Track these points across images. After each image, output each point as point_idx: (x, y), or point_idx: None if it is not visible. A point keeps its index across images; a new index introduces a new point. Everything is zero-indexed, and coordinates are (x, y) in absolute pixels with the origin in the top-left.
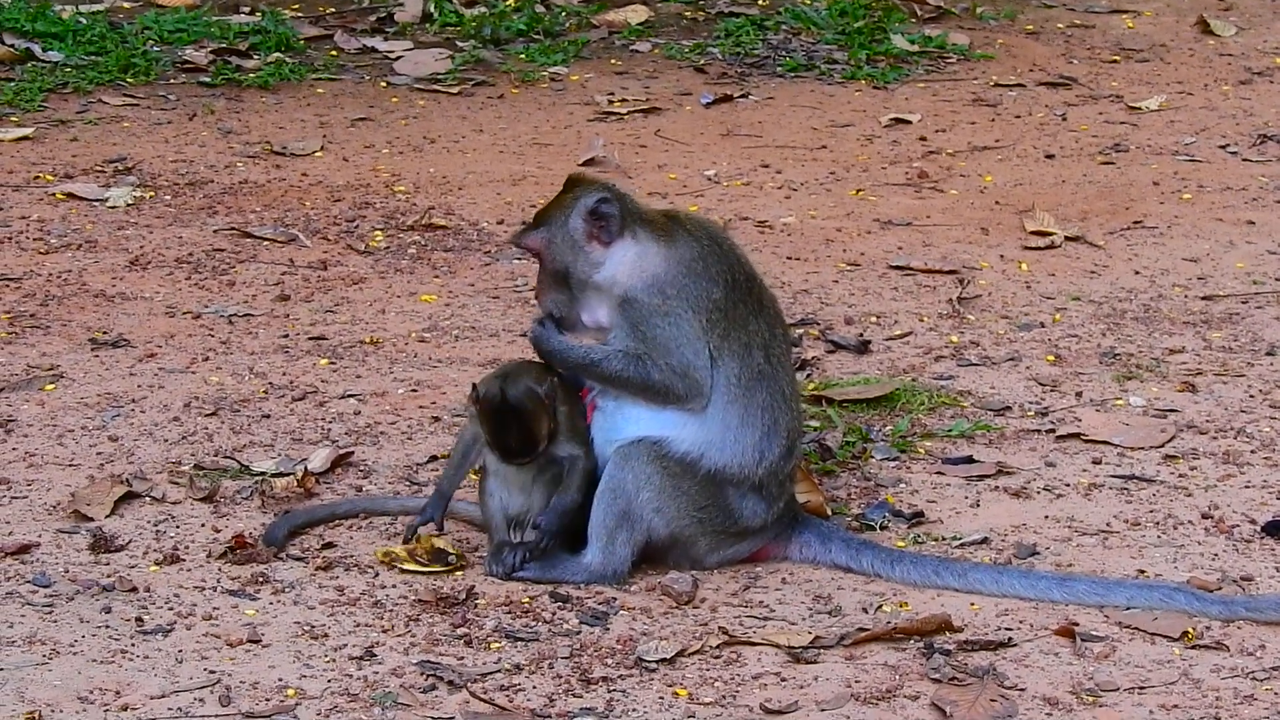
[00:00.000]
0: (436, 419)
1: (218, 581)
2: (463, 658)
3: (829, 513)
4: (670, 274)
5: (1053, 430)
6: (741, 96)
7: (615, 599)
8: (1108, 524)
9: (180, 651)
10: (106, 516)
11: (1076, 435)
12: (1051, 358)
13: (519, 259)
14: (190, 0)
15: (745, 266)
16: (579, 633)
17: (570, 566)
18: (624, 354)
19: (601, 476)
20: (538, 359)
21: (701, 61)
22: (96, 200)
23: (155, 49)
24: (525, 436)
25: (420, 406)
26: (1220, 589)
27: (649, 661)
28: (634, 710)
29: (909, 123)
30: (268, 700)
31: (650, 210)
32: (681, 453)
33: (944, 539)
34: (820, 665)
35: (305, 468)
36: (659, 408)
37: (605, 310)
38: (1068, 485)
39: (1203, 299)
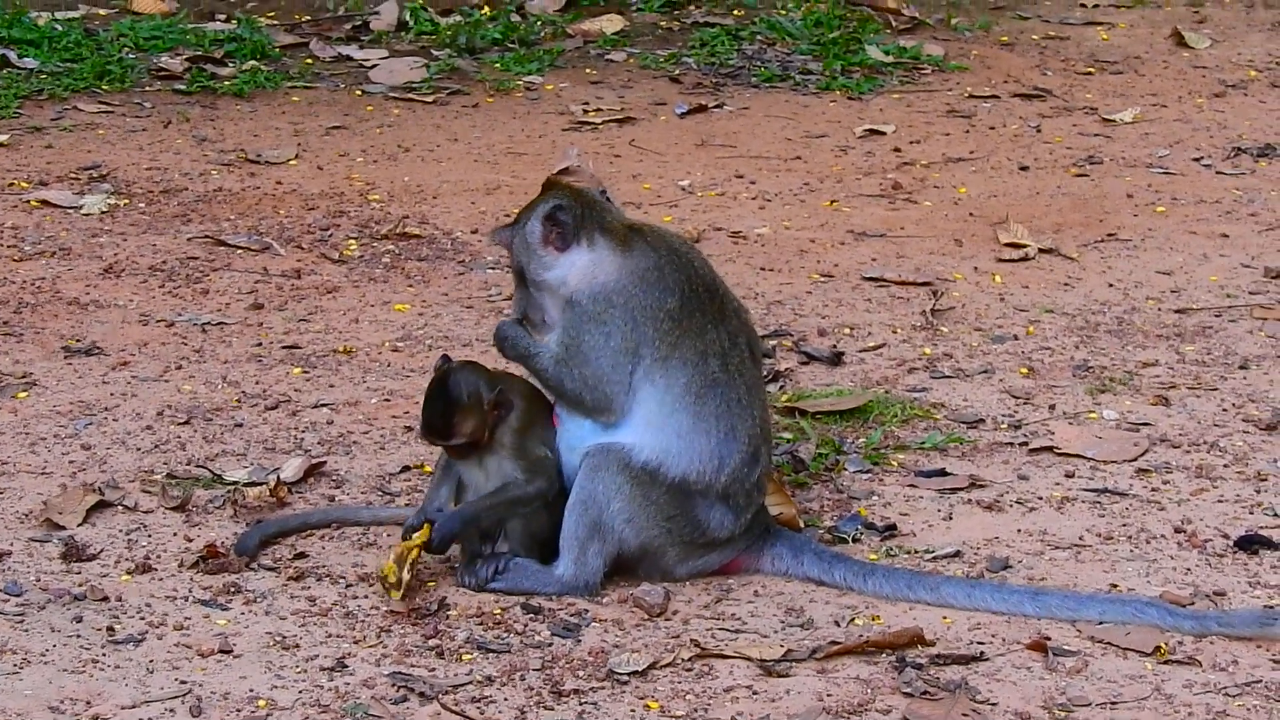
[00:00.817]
0: (409, 429)
1: (189, 591)
2: (434, 669)
3: (802, 525)
4: (621, 283)
5: (1025, 443)
6: (716, 106)
7: (587, 611)
8: (1080, 537)
9: (151, 661)
10: (78, 525)
11: (1049, 448)
12: (1025, 370)
13: (493, 268)
14: (166, 8)
15: (706, 278)
16: (551, 644)
17: (542, 578)
18: (552, 355)
19: (571, 487)
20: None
21: (676, 71)
22: (71, 207)
23: (130, 56)
24: (443, 420)
25: (393, 416)
26: (1193, 604)
27: (620, 674)
28: None
29: (883, 134)
30: (239, 711)
31: (614, 220)
32: (643, 460)
33: (916, 552)
34: (792, 678)
35: (278, 477)
36: (576, 416)
37: (557, 312)
38: (1040, 498)
39: (1176, 312)
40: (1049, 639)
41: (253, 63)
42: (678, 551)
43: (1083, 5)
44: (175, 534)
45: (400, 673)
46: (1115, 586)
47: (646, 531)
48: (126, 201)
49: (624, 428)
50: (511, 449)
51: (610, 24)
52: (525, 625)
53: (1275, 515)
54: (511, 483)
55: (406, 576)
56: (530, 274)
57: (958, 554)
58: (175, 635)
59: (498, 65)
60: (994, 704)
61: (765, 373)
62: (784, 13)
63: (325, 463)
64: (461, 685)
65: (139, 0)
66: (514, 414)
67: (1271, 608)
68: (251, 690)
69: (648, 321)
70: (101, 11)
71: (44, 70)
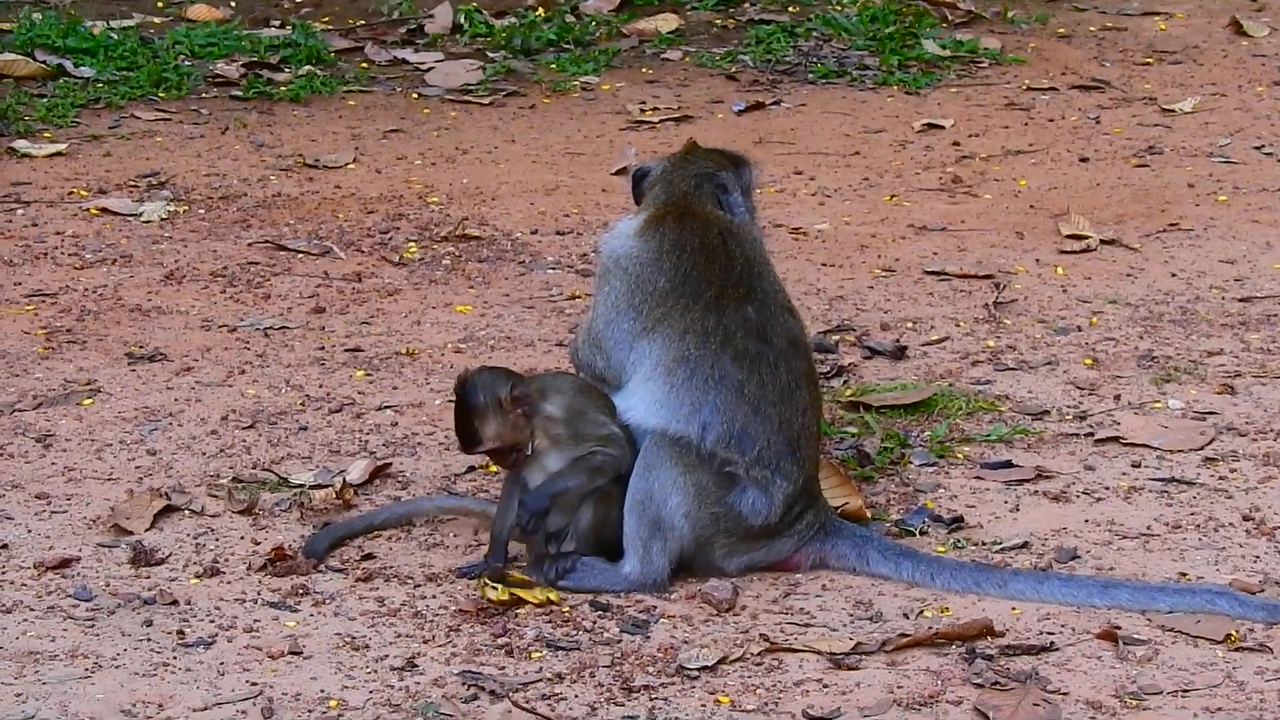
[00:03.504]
0: None
1: (258, 594)
2: (504, 667)
3: (869, 516)
4: (628, 254)
5: (1091, 434)
6: (773, 103)
7: (656, 607)
8: (1148, 527)
9: (222, 664)
10: (146, 530)
11: (1115, 438)
12: (1089, 361)
13: (553, 269)
14: (220, 14)
15: (713, 268)
16: (620, 641)
17: (610, 576)
18: (581, 325)
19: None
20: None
21: (733, 69)
22: (130, 215)
23: (186, 63)
24: (464, 428)
25: None
26: (1262, 591)
27: (691, 669)
28: (676, 718)
29: (942, 128)
30: (310, 712)
31: (672, 200)
32: (634, 423)
33: (984, 544)
34: (862, 671)
35: (343, 479)
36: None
37: None
38: (1107, 488)
39: (1240, 301)
40: (1119, 628)
41: (308, 68)
42: (724, 544)
43: None
44: (243, 537)
45: (470, 671)
46: (1184, 575)
47: (700, 523)
48: (186, 208)
49: (620, 394)
50: (569, 438)
51: (665, 23)
52: (594, 623)
53: None
54: (587, 454)
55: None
56: None
57: (1025, 545)
58: (245, 638)
59: (553, 66)
60: (1065, 693)
61: (829, 367)
62: (839, 8)
63: (390, 464)
64: (532, 683)
65: (194, 8)
66: (554, 405)
67: None
68: (322, 691)
69: (638, 293)
70: (157, 20)
71: (100, 79)
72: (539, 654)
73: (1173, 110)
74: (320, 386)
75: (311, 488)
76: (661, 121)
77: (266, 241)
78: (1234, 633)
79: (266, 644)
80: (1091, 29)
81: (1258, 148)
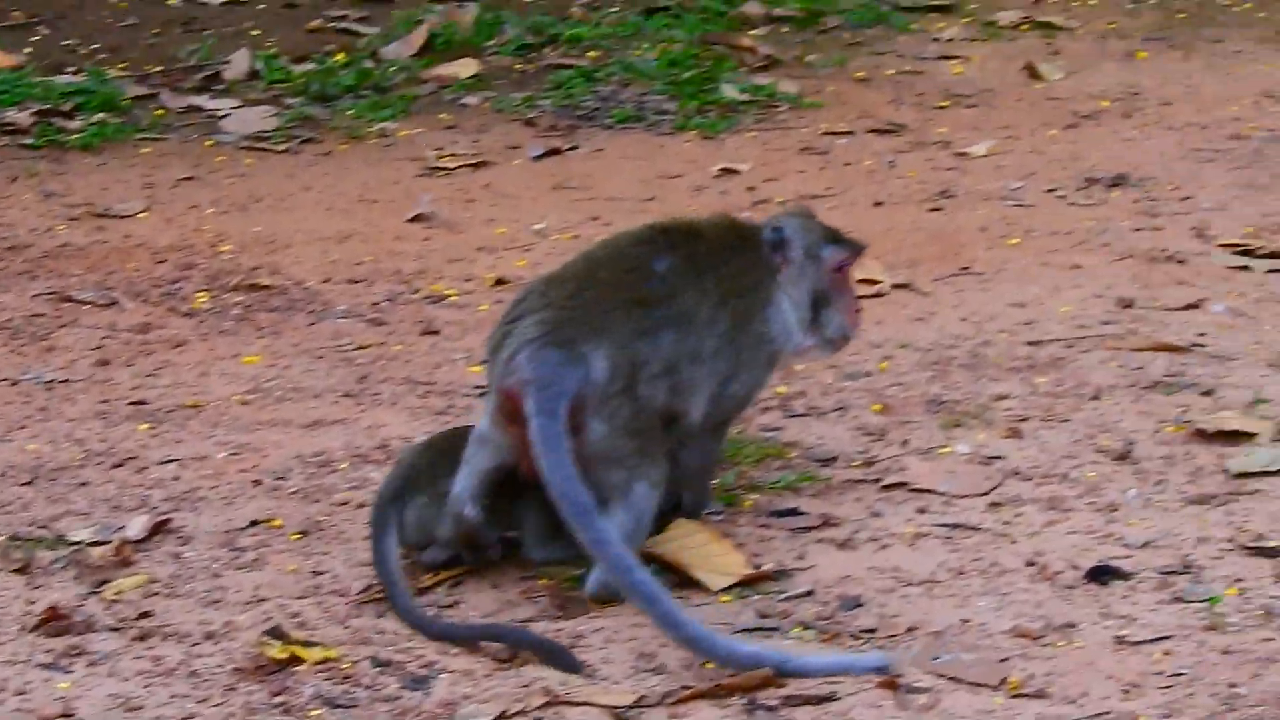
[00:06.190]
0: (258, 483)
1: (30, 655)
2: None
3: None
4: None
5: (879, 480)
6: (570, 149)
7: (437, 662)
8: (932, 573)
9: None
10: None
11: (902, 484)
12: (878, 406)
13: (343, 318)
14: (14, 61)
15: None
16: (400, 698)
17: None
18: None
19: None
20: None
21: (531, 114)
22: None
23: None
24: None
25: (241, 470)
26: (1044, 637)
27: None
28: None
29: (738, 172)
30: None
31: None
32: None
33: (769, 594)
34: None
35: (123, 536)
36: None
37: None
38: (893, 535)
39: (1029, 344)
40: (900, 677)
41: (101, 115)
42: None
43: (935, 40)
44: (17, 597)
45: None
46: (967, 621)
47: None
48: None
49: None
50: None
51: (465, 68)
52: (373, 679)
53: (1126, 545)
54: None
55: None
56: None
57: (809, 594)
58: (15, 700)
59: (350, 113)
60: None
61: None
62: (639, 53)
63: (171, 519)
64: None
65: None
66: None
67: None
68: None
69: None
70: None
71: None
72: (317, 712)
73: (966, 153)
74: (102, 440)
75: (89, 544)
76: (458, 168)
77: (52, 293)
78: (1013, 678)
79: (38, 706)
80: (889, 73)
81: (1050, 190)
